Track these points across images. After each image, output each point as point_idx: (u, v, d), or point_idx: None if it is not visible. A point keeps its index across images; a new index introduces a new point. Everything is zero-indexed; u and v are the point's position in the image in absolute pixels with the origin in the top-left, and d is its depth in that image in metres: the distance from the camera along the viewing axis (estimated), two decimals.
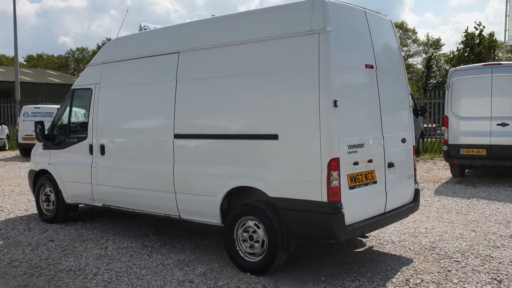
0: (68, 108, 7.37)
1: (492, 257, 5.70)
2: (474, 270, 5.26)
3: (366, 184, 5.06)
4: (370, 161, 5.11)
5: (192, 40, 5.78)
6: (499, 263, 5.49)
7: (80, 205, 7.79)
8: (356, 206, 4.84)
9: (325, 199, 4.61)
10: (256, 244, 5.15)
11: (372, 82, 5.29)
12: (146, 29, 7.05)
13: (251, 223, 5.19)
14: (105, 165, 6.70)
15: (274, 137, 4.95)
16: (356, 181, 4.92)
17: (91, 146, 6.87)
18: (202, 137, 5.60)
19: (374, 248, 6.10)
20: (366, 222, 5.00)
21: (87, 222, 7.66)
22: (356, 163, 4.91)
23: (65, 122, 7.45)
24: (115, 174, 6.60)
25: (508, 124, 10.68)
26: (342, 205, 4.64)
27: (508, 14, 15.96)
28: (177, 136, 5.81)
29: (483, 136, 10.87)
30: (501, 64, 11.32)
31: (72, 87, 7.41)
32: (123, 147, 6.56)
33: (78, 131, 7.35)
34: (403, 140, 5.74)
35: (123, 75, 6.54)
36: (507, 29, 16.25)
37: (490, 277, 5.07)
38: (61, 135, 7.43)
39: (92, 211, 8.25)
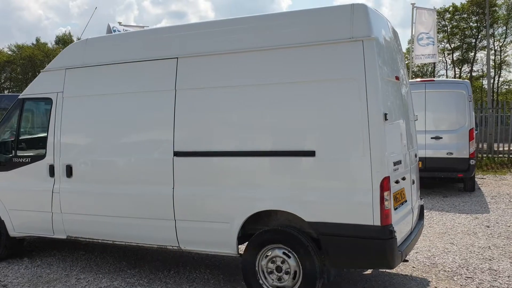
0: (16, 122, 6.07)
1: (495, 270, 5.73)
2: (494, 287, 5.20)
3: (402, 204, 4.75)
4: (403, 178, 4.82)
5: (199, 44, 5.01)
6: (508, 276, 5.52)
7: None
8: (399, 228, 4.50)
9: (377, 222, 4.19)
10: (286, 276, 4.57)
11: (399, 95, 5.04)
12: (115, 31, 6.12)
13: (278, 252, 4.60)
14: (74, 189, 5.59)
15: (311, 153, 4.42)
16: (397, 201, 4.59)
17: (51, 167, 5.71)
18: (214, 154, 4.85)
19: (380, 270, 5.83)
20: (405, 244, 4.68)
21: (35, 258, 6.39)
22: (397, 182, 4.58)
23: (10, 138, 6.14)
24: (88, 201, 5.53)
25: (441, 138, 11.25)
26: (394, 228, 4.27)
27: (413, 36, 17.07)
28: (178, 154, 5.00)
29: (418, 149, 11.30)
30: (433, 80, 11.97)
31: (20, 97, 6.13)
32: (101, 168, 5.50)
33: (30, 149, 6.11)
34: (416, 155, 5.56)
35: (99, 83, 5.52)
36: (412, 51, 17.36)
37: None
38: (3, 154, 6.10)
39: (30, 244, 6.92)
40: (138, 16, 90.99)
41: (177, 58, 5.09)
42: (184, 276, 5.60)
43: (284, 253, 4.57)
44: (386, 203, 4.21)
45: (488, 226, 8.04)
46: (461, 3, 44.48)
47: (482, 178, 13.74)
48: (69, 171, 5.59)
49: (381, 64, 4.42)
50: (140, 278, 5.55)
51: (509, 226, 8.02)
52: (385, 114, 4.27)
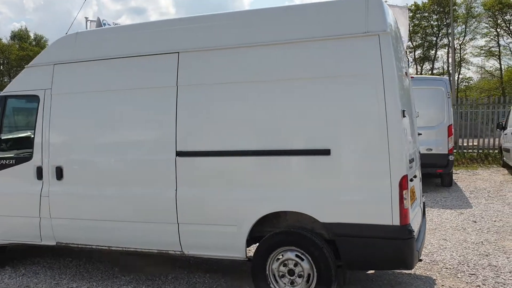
0: None
1: (495, 266, 5.75)
2: (499, 283, 5.20)
3: (414, 202, 4.66)
4: (415, 176, 4.73)
5: (202, 38, 4.76)
6: (510, 272, 5.54)
7: None
8: (414, 227, 4.40)
9: (397, 222, 4.08)
10: (299, 280, 4.41)
11: (408, 90, 4.95)
12: (105, 24, 5.78)
13: (290, 254, 4.43)
14: (65, 193, 5.23)
15: (326, 152, 4.25)
16: (411, 199, 4.49)
17: (39, 169, 5.33)
18: (221, 154, 4.60)
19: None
20: (419, 243, 4.58)
21: (18, 267, 5.97)
22: (411, 180, 4.48)
23: None
24: (82, 204, 5.18)
25: (421, 134, 11.31)
26: (412, 228, 4.16)
27: None
28: (181, 153, 4.74)
29: None
30: (412, 77, 12.02)
31: (2, 93, 5.69)
32: (96, 170, 5.16)
33: (14, 150, 5.68)
34: (419, 152, 5.50)
35: (93, 79, 5.17)
36: None
37: None
38: None
39: (9, 251, 6.46)
40: (98, 12, 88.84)
41: (178, 52, 4.82)
42: (184, 282, 5.34)
43: (297, 255, 4.41)
44: (405, 202, 4.11)
45: (475, 221, 8.13)
46: (423, 1, 45.55)
47: (456, 173, 13.99)
48: (59, 173, 5.22)
49: (396, 59, 4.31)
50: (138, 285, 5.26)
51: (495, 221, 8.13)
52: (403, 111, 4.16)
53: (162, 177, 4.82)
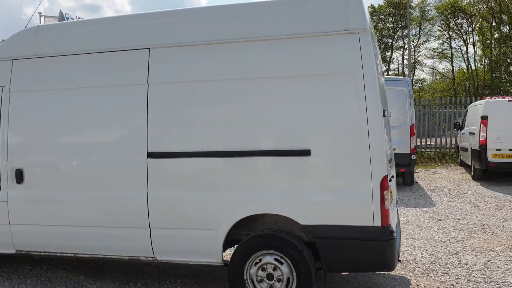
0: None
1: (466, 264, 5.82)
2: (472, 281, 5.25)
3: (392, 202, 4.62)
4: (393, 176, 4.69)
5: (174, 34, 4.55)
6: (480, 270, 5.61)
7: None
8: (393, 227, 4.36)
9: (378, 223, 4.01)
10: (278, 284, 4.28)
11: (384, 90, 4.90)
12: (68, 19, 5.46)
13: (269, 258, 4.29)
14: (26, 197, 4.89)
15: (306, 152, 4.14)
16: (389, 200, 4.44)
17: None
18: (196, 155, 4.41)
19: None
20: (398, 244, 4.54)
21: None
22: (390, 180, 4.43)
23: None
24: (45, 210, 4.85)
25: None
26: (393, 228, 4.11)
27: None
28: (152, 155, 4.51)
29: None
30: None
31: None
32: (61, 173, 4.84)
33: None
34: (393, 152, 5.48)
35: (57, 76, 4.85)
36: None
37: (496, 286, 5.11)
38: None
39: None
40: (48, 8, 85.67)
41: (149, 48, 4.59)
42: None
43: (276, 259, 4.27)
44: (386, 202, 4.05)
45: (440, 220, 8.27)
46: (379, 4, 46.56)
47: (416, 172, 14.27)
48: (19, 176, 4.88)
49: (375, 58, 4.24)
50: None
51: (459, 219, 8.29)
52: (384, 111, 4.11)
53: (133, 180, 4.57)
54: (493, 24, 41.67)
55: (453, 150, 17.44)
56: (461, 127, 15.00)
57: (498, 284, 5.14)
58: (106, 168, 4.68)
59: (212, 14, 4.55)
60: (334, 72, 4.13)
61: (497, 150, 11.88)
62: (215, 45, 4.41)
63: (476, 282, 5.21)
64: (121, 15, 4.90)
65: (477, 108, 12.99)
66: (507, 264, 5.81)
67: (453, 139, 17.52)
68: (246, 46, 4.34)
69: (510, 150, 11.79)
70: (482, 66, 45.13)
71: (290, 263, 4.22)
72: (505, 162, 11.91)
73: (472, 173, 12.89)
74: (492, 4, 40.38)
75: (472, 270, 5.59)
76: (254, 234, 4.35)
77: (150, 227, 4.54)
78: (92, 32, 4.84)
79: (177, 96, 4.49)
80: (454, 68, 46.42)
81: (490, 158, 11.88)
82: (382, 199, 4.00)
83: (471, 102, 16.58)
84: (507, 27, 41.90)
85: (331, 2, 4.21)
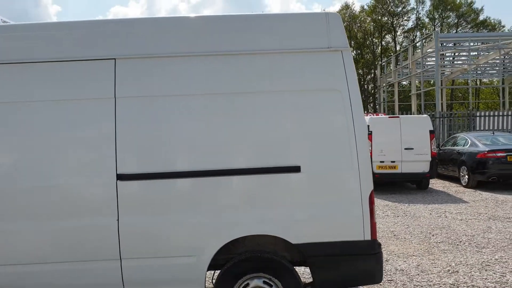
0: None
1: (402, 270, 6.22)
2: (418, 286, 5.61)
3: None
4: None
5: (144, 43, 4.14)
6: (418, 274, 6.03)
7: None
8: None
9: (368, 237, 4.09)
10: None
11: None
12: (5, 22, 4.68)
13: (258, 282, 4.11)
14: None
15: (296, 169, 4.07)
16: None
17: None
18: (174, 175, 4.04)
19: None
20: None
21: None
22: None
23: None
24: None
25: None
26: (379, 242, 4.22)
27: None
28: (122, 177, 4.03)
29: None
30: None
31: None
32: (14, 200, 4.04)
33: None
34: None
35: (6, 88, 4.04)
36: None
37: None
38: None
39: None
40: None
41: (115, 59, 4.13)
42: None
43: (264, 281, 4.10)
44: (374, 216, 4.15)
45: None
46: None
47: None
48: None
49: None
50: None
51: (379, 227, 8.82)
52: (368, 126, 4.22)
53: (100, 205, 4.03)
54: None
55: None
56: None
57: (441, 286, 5.57)
58: (69, 193, 4.03)
59: (188, 24, 4.25)
60: (321, 89, 4.15)
61: (380, 162, 12.99)
62: (189, 57, 4.14)
63: (422, 287, 5.59)
64: (85, 20, 4.28)
65: None
66: (435, 267, 6.33)
67: None
68: (232, 59, 4.14)
69: (392, 162, 12.99)
70: None
71: (280, 284, 4.09)
72: (388, 173, 13.08)
73: None
74: None
75: (412, 275, 5.99)
76: (241, 258, 4.13)
77: (121, 257, 4.04)
78: (48, 38, 4.15)
79: (150, 112, 4.09)
80: None
81: (375, 169, 12.94)
82: (372, 212, 4.10)
83: None
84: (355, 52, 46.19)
85: (314, 20, 4.24)
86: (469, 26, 52.24)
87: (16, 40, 4.16)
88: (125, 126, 4.06)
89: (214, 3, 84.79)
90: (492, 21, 53.05)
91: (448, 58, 33.43)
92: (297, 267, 4.89)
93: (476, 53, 28.24)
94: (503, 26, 53.67)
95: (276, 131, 4.11)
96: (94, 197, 4.05)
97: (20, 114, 4.07)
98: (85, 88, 4.09)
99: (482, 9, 56.88)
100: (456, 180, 15.24)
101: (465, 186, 14.08)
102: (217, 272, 4.59)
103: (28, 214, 4.03)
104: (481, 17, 52.84)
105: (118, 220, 4.02)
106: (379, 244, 4.18)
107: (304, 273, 5.95)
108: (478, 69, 32.63)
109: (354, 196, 4.08)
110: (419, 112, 30.04)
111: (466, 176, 14.05)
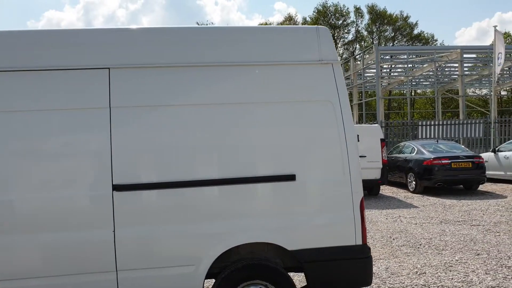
0: None
1: (374, 273, 6.48)
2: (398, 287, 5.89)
3: None
4: None
5: (138, 53, 4.14)
6: (388, 277, 6.32)
7: None
8: None
9: (359, 241, 4.28)
10: None
11: None
12: None
13: None
14: None
15: (291, 177, 4.20)
16: None
17: None
18: (171, 185, 4.04)
19: None
20: None
21: None
22: None
23: None
24: None
25: None
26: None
27: None
28: (118, 187, 3.98)
29: None
30: None
31: None
32: (5, 212, 3.86)
33: None
34: None
35: None
36: None
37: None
38: None
39: None
40: None
41: (109, 68, 4.09)
42: None
43: None
44: (365, 221, 4.36)
45: None
46: None
47: None
48: None
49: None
50: None
51: None
52: (358, 135, 4.43)
53: (96, 217, 3.96)
54: None
55: None
56: None
57: (414, 287, 5.88)
58: (62, 206, 3.93)
59: (182, 35, 4.30)
60: (314, 100, 4.32)
61: None
62: (187, 68, 4.19)
63: (405, 285, 5.86)
64: (79, 28, 4.19)
65: None
66: (403, 269, 6.66)
67: None
68: (227, 71, 4.23)
69: None
70: None
71: None
72: None
73: None
74: None
75: (383, 278, 6.27)
76: (237, 266, 4.19)
77: (117, 269, 3.98)
78: (42, 46, 4.04)
79: (145, 121, 4.09)
80: None
81: None
82: (363, 218, 4.30)
83: None
84: None
85: (305, 34, 4.42)
86: (404, 39, 54.96)
87: (9, 48, 4.02)
88: (121, 136, 4.03)
89: (153, 10, 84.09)
90: (425, 35, 56.08)
91: (385, 70, 34.98)
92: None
93: (411, 65, 29.77)
94: (436, 40, 56.94)
95: (271, 141, 4.22)
96: (90, 208, 3.98)
97: (14, 124, 3.94)
98: (80, 97, 4.02)
99: (416, 24, 59.77)
100: (403, 186, 15.98)
101: (413, 192, 14.80)
102: (211, 280, 4.61)
103: (22, 226, 3.89)
104: (415, 31, 55.73)
105: (114, 231, 3.97)
106: (369, 248, 4.38)
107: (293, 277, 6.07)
108: (413, 80, 34.37)
109: (347, 203, 4.27)
110: (361, 122, 31.18)
111: (414, 182, 14.78)
